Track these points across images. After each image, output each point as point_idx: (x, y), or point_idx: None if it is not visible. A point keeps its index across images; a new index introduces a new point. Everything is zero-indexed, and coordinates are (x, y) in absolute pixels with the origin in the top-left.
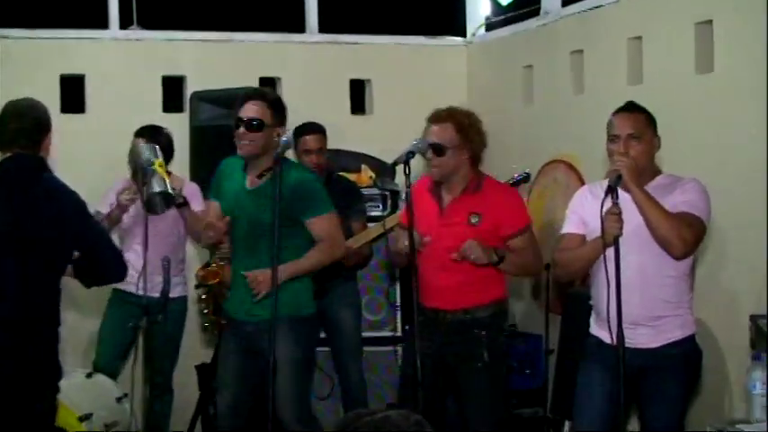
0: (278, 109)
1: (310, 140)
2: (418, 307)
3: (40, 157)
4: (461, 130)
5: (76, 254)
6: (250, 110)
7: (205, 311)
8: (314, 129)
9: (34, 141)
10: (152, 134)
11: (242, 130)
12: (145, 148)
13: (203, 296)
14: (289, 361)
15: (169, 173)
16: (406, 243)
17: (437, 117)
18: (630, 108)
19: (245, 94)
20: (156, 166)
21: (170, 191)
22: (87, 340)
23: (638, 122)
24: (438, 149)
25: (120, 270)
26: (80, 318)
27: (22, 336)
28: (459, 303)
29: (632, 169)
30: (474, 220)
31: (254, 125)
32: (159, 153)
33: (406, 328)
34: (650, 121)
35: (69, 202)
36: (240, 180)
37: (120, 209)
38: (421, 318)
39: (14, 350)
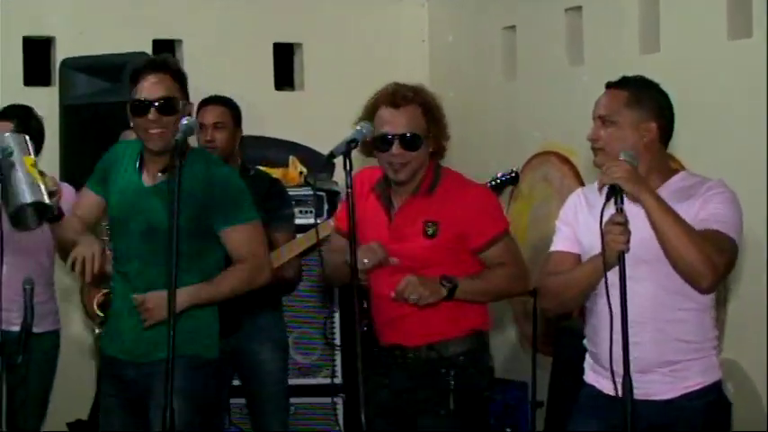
0: (183, 82)
1: (207, 113)
2: (368, 344)
3: None
4: (430, 115)
5: None
6: (156, 86)
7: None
8: (215, 99)
9: None
10: (21, 118)
11: (152, 114)
12: (10, 140)
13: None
14: (182, 416)
15: (42, 173)
16: (367, 261)
17: (402, 98)
18: (617, 84)
19: (143, 65)
20: (28, 167)
21: (46, 200)
22: None
23: (614, 101)
24: (411, 142)
25: None
26: None
27: None
28: (424, 337)
29: (631, 176)
30: (431, 230)
31: (168, 107)
32: (31, 147)
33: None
34: (637, 100)
35: None
36: (133, 174)
37: None
38: (376, 357)
39: None
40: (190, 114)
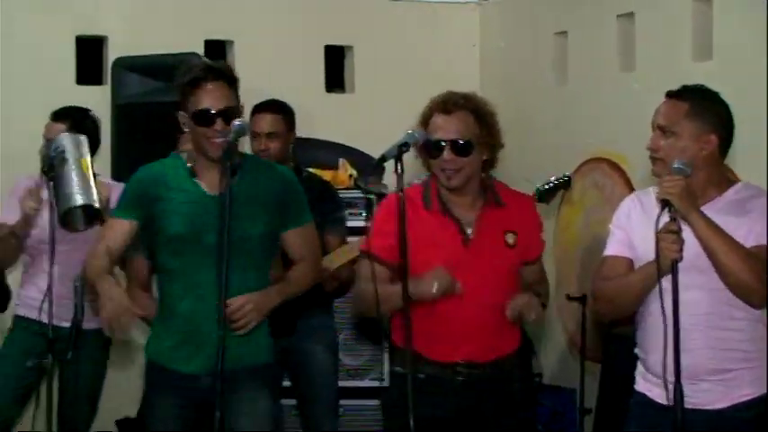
0: (237, 87)
1: (261, 121)
2: (420, 363)
3: None
4: (482, 122)
5: None
6: (219, 96)
7: None
8: (269, 106)
9: None
10: (76, 119)
11: (218, 125)
12: (65, 141)
13: None
14: (256, 419)
15: (95, 176)
16: (435, 289)
17: (453, 104)
18: (677, 94)
19: (203, 73)
20: (83, 169)
21: (96, 204)
22: None
23: (674, 111)
24: (463, 147)
25: None
26: None
27: None
28: (489, 352)
29: (683, 194)
30: (511, 239)
31: (231, 116)
32: (86, 149)
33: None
34: (698, 111)
35: None
36: (192, 187)
37: (24, 221)
38: (428, 375)
39: None
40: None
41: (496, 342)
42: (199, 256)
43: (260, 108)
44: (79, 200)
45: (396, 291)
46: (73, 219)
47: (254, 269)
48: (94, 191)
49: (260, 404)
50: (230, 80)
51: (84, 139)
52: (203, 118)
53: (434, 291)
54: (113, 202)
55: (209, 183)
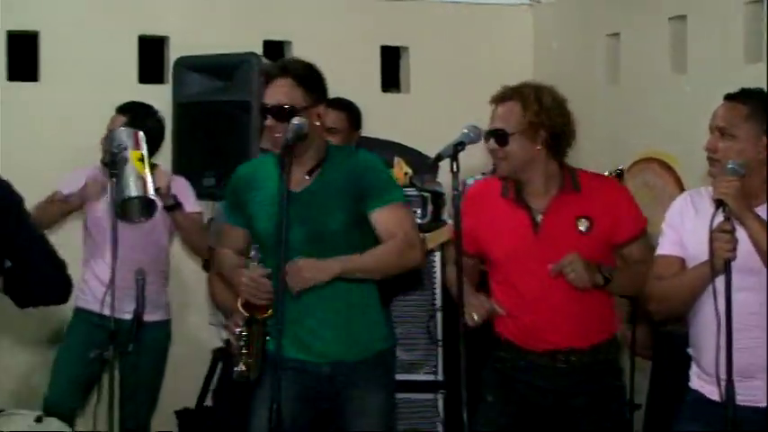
0: (310, 84)
1: (327, 117)
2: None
3: None
4: (530, 110)
5: (8, 264)
6: (276, 93)
7: (244, 351)
8: (333, 103)
9: None
10: (138, 114)
11: (269, 120)
12: (123, 135)
13: (243, 333)
14: (382, 410)
15: (155, 166)
16: (477, 317)
17: (502, 95)
18: (736, 96)
19: (267, 72)
20: (135, 161)
21: (150, 194)
22: (40, 373)
23: (733, 114)
24: (500, 136)
25: (59, 289)
26: (33, 344)
27: None
28: (586, 338)
29: (738, 195)
30: (583, 226)
31: (283, 113)
32: (142, 142)
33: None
34: (757, 114)
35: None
36: (279, 183)
37: (80, 197)
38: (528, 362)
39: None
40: (319, 115)
41: (593, 326)
42: (288, 252)
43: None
44: (133, 191)
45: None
46: (129, 210)
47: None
48: (150, 182)
49: (371, 405)
50: (295, 76)
51: (140, 132)
52: (261, 112)
53: (476, 319)
54: (179, 194)
55: (296, 178)
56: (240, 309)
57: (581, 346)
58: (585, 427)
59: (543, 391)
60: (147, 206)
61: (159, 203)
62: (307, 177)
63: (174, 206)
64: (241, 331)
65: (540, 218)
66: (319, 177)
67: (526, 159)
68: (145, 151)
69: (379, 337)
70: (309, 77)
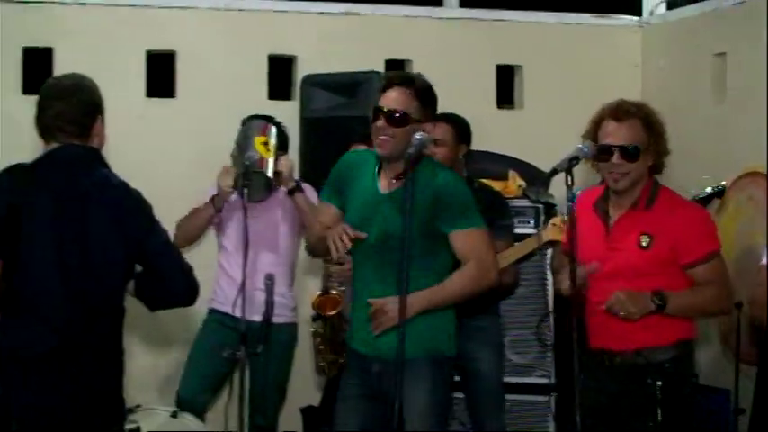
0: (426, 100)
1: (435, 130)
2: (582, 349)
3: (91, 148)
4: (651, 130)
5: (138, 269)
6: (392, 99)
7: (321, 347)
8: (442, 117)
9: (82, 128)
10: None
11: (380, 122)
12: (254, 124)
13: (320, 330)
14: (423, 410)
15: (281, 154)
16: (566, 285)
17: (624, 112)
18: None
19: (392, 78)
20: (257, 144)
21: (267, 173)
22: (172, 370)
23: None
24: (631, 153)
25: (186, 293)
26: (166, 345)
27: (73, 368)
28: (631, 342)
29: None
30: (645, 242)
31: (395, 118)
32: (269, 131)
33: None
34: None
35: (128, 201)
36: (371, 181)
37: (221, 196)
38: (585, 361)
39: (64, 387)
40: (425, 131)
41: (640, 332)
42: (363, 247)
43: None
44: (249, 166)
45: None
46: (249, 185)
47: (413, 269)
48: (270, 164)
49: (424, 397)
50: (416, 90)
51: (269, 124)
52: (373, 113)
53: (567, 286)
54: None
55: (387, 180)
56: (313, 308)
57: (626, 349)
58: (628, 425)
59: (595, 390)
60: (267, 184)
61: (282, 190)
62: (394, 182)
63: (295, 189)
64: (316, 329)
65: (611, 228)
66: (404, 184)
67: (640, 175)
68: (272, 139)
69: (439, 341)
70: (427, 94)
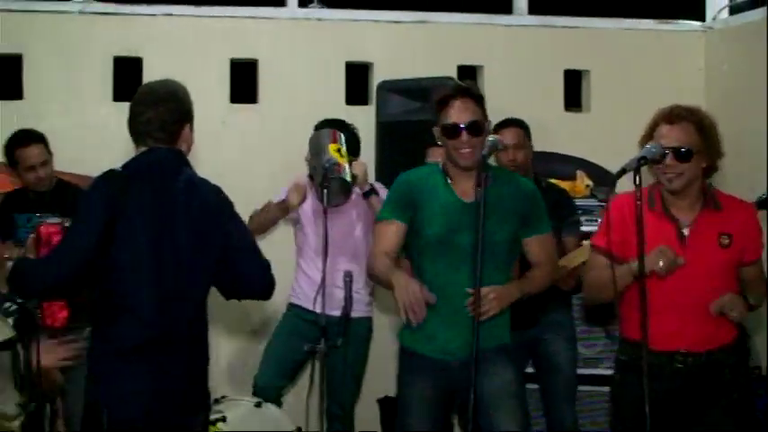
0: (484, 105)
1: (506, 134)
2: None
3: (178, 151)
4: (703, 133)
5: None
6: (465, 111)
7: None
8: (513, 122)
9: (171, 133)
10: (335, 128)
11: (464, 136)
12: (324, 133)
13: None
14: (512, 392)
15: (353, 159)
16: (661, 265)
17: (676, 116)
18: None
19: (452, 92)
20: (331, 151)
21: (345, 177)
22: (254, 363)
23: None
24: (684, 154)
25: (262, 287)
26: (250, 338)
27: (163, 360)
28: (704, 344)
29: None
30: (725, 241)
31: (476, 129)
32: (339, 138)
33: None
34: None
35: (212, 200)
36: (446, 194)
37: (284, 205)
38: (649, 363)
39: (153, 378)
40: (489, 133)
41: (712, 333)
42: (452, 256)
43: (504, 124)
44: (327, 173)
45: (625, 270)
46: (329, 191)
47: (498, 270)
48: (345, 168)
49: (508, 377)
50: (476, 97)
51: (338, 132)
52: (450, 131)
53: (661, 266)
54: (380, 194)
55: (462, 190)
56: None
57: (699, 351)
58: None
59: (661, 390)
60: (344, 187)
61: (356, 191)
62: (479, 189)
63: (370, 192)
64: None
65: (686, 231)
66: (487, 191)
67: (694, 176)
68: (342, 145)
69: (505, 332)
70: (482, 98)
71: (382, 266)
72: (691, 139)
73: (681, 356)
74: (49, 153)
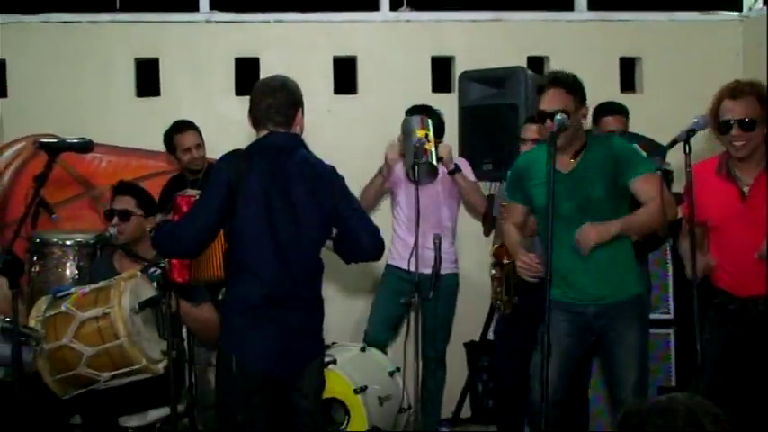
0: (576, 91)
1: (611, 121)
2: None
3: (294, 134)
4: (764, 104)
5: (335, 231)
6: (552, 100)
7: (498, 290)
8: (614, 109)
9: (287, 117)
10: (423, 113)
11: (548, 123)
12: (413, 120)
13: (497, 275)
14: (635, 347)
15: (439, 141)
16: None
17: (740, 91)
18: None
19: (546, 82)
20: (419, 136)
21: (432, 160)
22: (360, 315)
23: None
24: (748, 125)
25: (374, 248)
26: (357, 292)
27: (282, 314)
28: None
29: None
30: None
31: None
32: (427, 123)
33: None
34: None
35: (325, 175)
36: (547, 167)
37: (387, 165)
38: (737, 307)
39: (274, 329)
40: (584, 116)
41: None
42: (561, 218)
43: (605, 111)
44: (414, 158)
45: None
46: (416, 174)
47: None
48: (433, 152)
49: (631, 335)
50: (565, 85)
51: (426, 118)
52: (540, 117)
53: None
54: (463, 168)
55: (563, 164)
56: (491, 255)
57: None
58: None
59: (747, 330)
60: (429, 170)
61: (442, 169)
62: (572, 161)
63: (455, 170)
64: (495, 274)
65: (746, 189)
66: (582, 160)
67: (760, 144)
68: (430, 130)
69: (633, 283)
70: (575, 86)
71: (512, 245)
72: (754, 110)
73: (762, 300)
74: (201, 139)
